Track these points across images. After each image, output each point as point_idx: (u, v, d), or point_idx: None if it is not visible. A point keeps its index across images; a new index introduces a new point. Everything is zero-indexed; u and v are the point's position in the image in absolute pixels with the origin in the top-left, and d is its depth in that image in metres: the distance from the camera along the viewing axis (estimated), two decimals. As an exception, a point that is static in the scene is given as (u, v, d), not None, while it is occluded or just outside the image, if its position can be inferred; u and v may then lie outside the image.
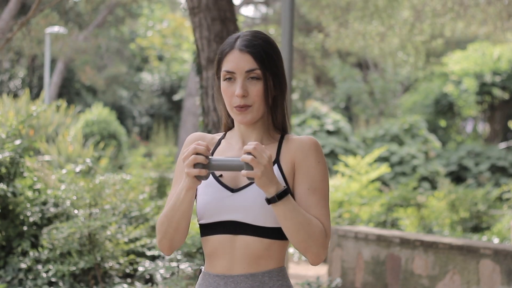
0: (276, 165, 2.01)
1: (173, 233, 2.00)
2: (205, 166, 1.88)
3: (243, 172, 1.83)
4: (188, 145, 2.10)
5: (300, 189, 1.99)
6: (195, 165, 1.88)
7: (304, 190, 1.99)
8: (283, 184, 1.98)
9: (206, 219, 2.02)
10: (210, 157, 1.89)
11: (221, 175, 2.03)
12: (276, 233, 1.99)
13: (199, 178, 1.90)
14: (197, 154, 1.87)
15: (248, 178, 1.86)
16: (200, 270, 2.10)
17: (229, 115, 2.12)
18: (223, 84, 2.02)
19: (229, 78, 2.01)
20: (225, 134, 2.15)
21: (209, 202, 2.01)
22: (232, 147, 2.09)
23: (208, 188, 2.03)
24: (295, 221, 1.89)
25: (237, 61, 1.99)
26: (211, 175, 2.04)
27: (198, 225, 2.08)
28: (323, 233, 1.94)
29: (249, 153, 1.84)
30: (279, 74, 2.04)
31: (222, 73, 2.02)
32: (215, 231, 2.01)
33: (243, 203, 1.97)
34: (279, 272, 2.03)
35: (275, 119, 2.08)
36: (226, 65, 2.01)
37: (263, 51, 2.00)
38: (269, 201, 1.88)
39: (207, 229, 2.03)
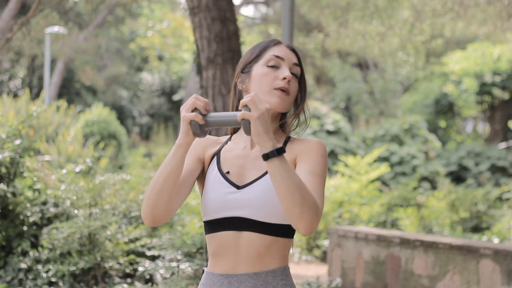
0: None
1: (156, 197, 1.92)
2: (202, 126, 1.84)
3: (239, 113, 1.78)
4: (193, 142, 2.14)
5: (301, 169, 2.00)
6: (192, 124, 1.83)
7: (305, 171, 1.99)
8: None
9: (211, 216, 2.03)
10: (208, 114, 1.85)
11: (228, 172, 2.04)
12: (280, 230, 2.00)
13: (194, 132, 1.85)
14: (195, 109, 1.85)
15: (244, 128, 1.81)
16: (203, 270, 2.10)
17: None
18: (265, 69, 2.06)
19: (273, 66, 2.07)
20: (230, 137, 2.16)
21: (215, 198, 2.02)
22: (239, 147, 2.10)
23: (214, 185, 2.04)
24: (292, 182, 1.81)
25: (287, 52, 2.09)
26: (218, 172, 2.05)
27: (203, 223, 2.08)
28: (315, 202, 1.87)
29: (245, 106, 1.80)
30: (305, 80, 2.16)
31: (268, 57, 2.07)
32: (220, 228, 2.02)
33: (249, 199, 1.99)
34: (283, 272, 2.04)
35: (292, 122, 2.14)
36: (276, 51, 2.08)
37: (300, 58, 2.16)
38: (267, 156, 1.80)
39: (212, 226, 2.04)
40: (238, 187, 2.01)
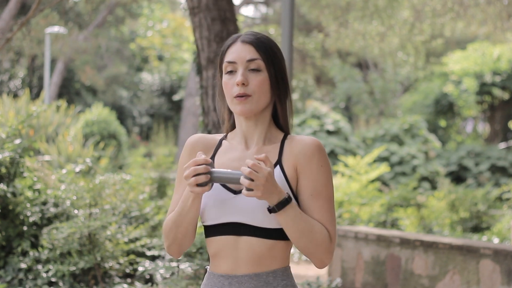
0: (278, 166, 2.00)
1: (182, 238, 2.02)
2: (206, 179, 1.89)
3: (244, 192, 1.84)
4: (188, 148, 2.10)
5: (303, 194, 1.99)
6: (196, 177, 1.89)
7: (307, 196, 1.98)
8: (286, 190, 1.98)
9: (208, 221, 2.02)
10: (211, 169, 1.89)
11: None
12: (279, 234, 1.99)
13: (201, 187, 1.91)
14: (197, 165, 1.88)
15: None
16: (206, 269, 2.10)
17: (230, 116, 2.12)
18: (225, 77, 2.04)
19: (231, 71, 2.02)
20: (226, 135, 2.14)
21: (211, 204, 2.01)
22: (234, 148, 2.08)
23: (210, 190, 2.02)
24: (296, 229, 1.91)
25: (239, 51, 2.01)
26: None
27: (202, 226, 2.08)
28: (326, 239, 1.94)
29: (247, 177, 1.84)
30: (281, 71, 2.05)
31: (224, 65, 2.04)
32: (219, 232, 2.01)
33: (246, 205, 1.97)
34: (284, 272, 2.03)
35: (278, 119, 2.08)
36: (228, 57, 2.03)
37: (266, 45, 2.03)
38: (270, 211, 1.90)
39: (211, 230, 2.03)
40: (234, 192, 1.99)
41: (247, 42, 2.02)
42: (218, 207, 1.99)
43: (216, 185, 2.02)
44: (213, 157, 2.08)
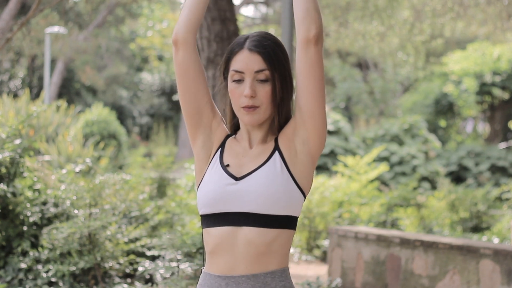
0: (276, 151, 2.03)
1: (183, 10, 2.07)
2: None
3: None
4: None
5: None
6: None
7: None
8: (285, 174, 1.99)
9: (208, 209, 2.00)
10: None
11: (228, 165, 2.03)
12: (279, 222, 1.96)
13: None
14: None
15: None
16: (201, 270, 2.08)
17: (234, 116, 2.12)
18: (231, 84, 2.04)
19: (238, 80, 2.02)
20: (235, 133, 2.15)
21: (212, 190, 2.00)
22: (238, 145, 2.09)
23: (213, 176, 2.03)
24: None
25: (247, 61, 2.00)
26: (219, 164, 2.05)
27: (200, 216, 2.07)
28: (320, 14, 2.00)
29: None
30: (287, 75, 2.06)
31: (231, 73, 2.03)
32: (217, 223, 1.98)
33: (247, 191, 1.96)
34: (282, 273, 2.00)
35: (281, 118, 2.08)
36: (235, 65, 2.02)
37: (273, 52, 2.02)
38: None
39: (209, 220, 2.01)
40: (236, 179, 1.99)
41: (255, 51, 2.01)
42: (218, 193, 1.99)
43: (219, 171, 2.02)
44: (223, 145, 2.11)
